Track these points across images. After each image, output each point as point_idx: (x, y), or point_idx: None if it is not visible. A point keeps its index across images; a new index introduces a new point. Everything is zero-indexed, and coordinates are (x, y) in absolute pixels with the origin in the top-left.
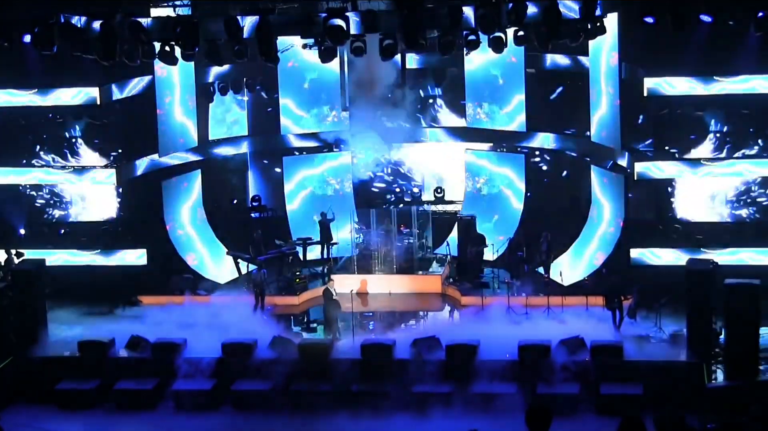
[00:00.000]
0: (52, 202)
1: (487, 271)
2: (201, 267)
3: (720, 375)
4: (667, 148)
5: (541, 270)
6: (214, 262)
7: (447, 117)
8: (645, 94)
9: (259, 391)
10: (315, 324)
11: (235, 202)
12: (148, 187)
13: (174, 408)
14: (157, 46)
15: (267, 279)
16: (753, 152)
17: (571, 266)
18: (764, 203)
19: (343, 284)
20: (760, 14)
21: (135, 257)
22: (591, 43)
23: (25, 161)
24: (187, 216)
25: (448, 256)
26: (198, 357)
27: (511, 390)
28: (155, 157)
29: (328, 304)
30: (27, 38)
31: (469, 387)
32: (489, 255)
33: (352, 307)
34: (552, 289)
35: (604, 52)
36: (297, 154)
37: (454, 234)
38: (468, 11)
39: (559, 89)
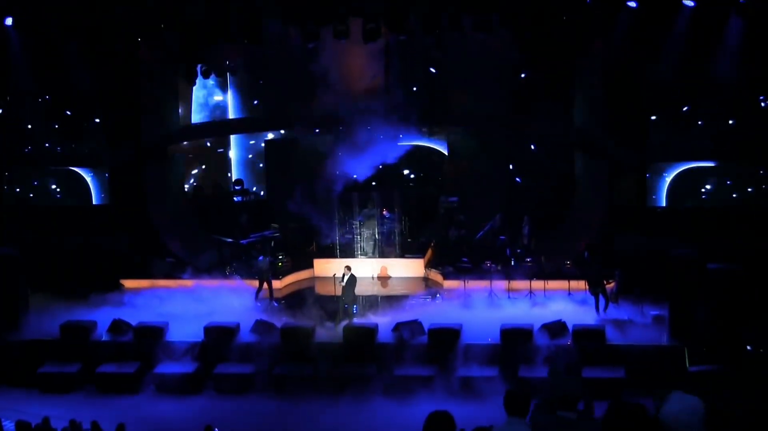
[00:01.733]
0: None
1: (470, 255)
2: (183, 252)
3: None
4: None
5: (523, 254)
6: (197, 247)
7: None
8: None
9: (241, 375)
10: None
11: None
12: (132, 172)
13: (156, 391)
14: None
15: (271, 267)
16: None
17: (553, 250)
18: None
19: (328, 269)
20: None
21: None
22: None
23: None
24: (170, 201)
25: (431, 240)
26: (180, 341)
27: (493, 373)
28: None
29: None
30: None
31: (451, 370)
32: (471, 239)
33: (334, 291)
34: (534, 273)
35: None
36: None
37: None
38: None
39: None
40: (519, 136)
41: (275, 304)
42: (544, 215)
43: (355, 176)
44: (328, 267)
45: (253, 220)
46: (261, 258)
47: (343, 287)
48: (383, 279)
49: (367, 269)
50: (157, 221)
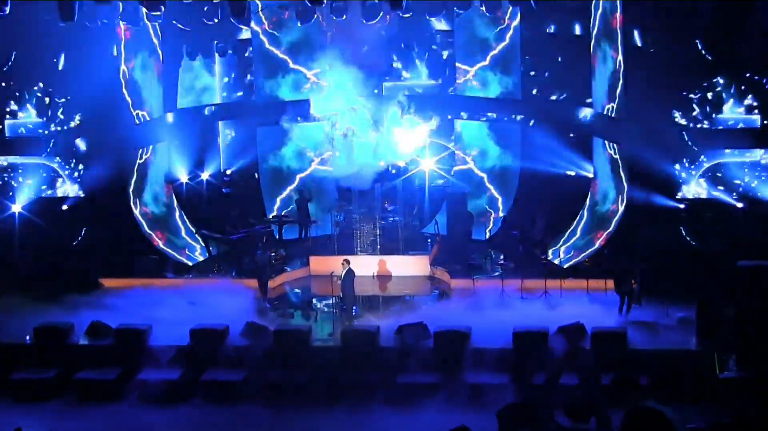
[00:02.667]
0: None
1: (479, 252)
2: (168, 248)
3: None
4: None
5: (537, 250)
6: (182, 242)
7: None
8: None
9: (231, 382)
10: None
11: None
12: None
13: (139, 399)
14: (121, 5)
15: (270, 262)
16: None
17: (571, 246)
18: None
19: (325, 266)
20: None
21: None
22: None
23: None
24: (152, 193)
25: (437, 236)
26: (165, 345)
27: (504, 380)
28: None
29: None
30: None
31: (459, 377)
32: (481, 233)
33: (332, 291)
34: (550, 271)
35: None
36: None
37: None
38: None
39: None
40: (532, 118)
41: (267, 305)
42: (560, 208)
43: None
44: (326, 265)
45: (245, 214)
46: (260, 253)
47: (341, 284)
48: (382, 277)
49: (367, 266)
50: (140, 214)
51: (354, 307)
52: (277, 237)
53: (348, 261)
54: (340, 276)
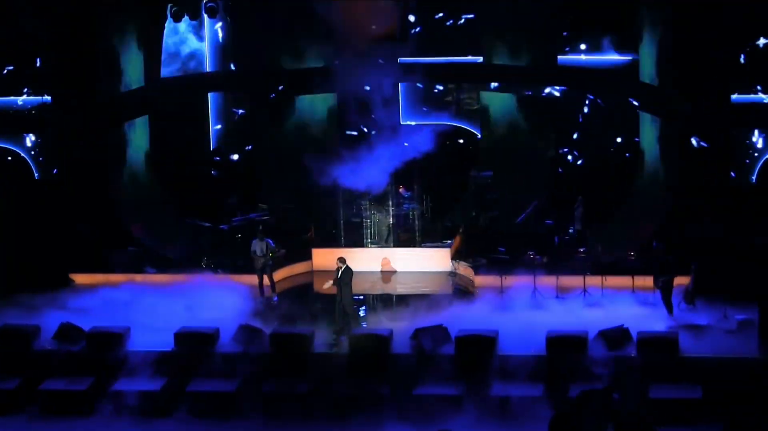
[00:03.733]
0: None
1: (508, 244)
2: (149, 239)
3: None
4: None
5: (576, 242)
6: (166, 232)
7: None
8: None
9: (222, 394)
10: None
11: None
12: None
13: (114, 413)
14: None
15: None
16: None
17: (614, 237)
18: None
19: (330, 261)
20: None
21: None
22: None
23: None
24: (132, 175)
25: (461, 225)
26: (145, 350)
27: (536, 392)
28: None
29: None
30: None
31: (484, 389)
32: (509, 223)
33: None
34: (590, 267)
35: None
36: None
37: None
38: None
39: None
40: (568, 94)
41: (275, 299)
42: (601, 194)
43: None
44: (331, 259)
45: (243, 201)
46: (270, 241)
47: (338, 286)
48: (385, 273)
49: (377, 261)
50: (116, 200)
51: (358, 308)
52: (275, 226)
53: (343, 260)
54: (335, 277)
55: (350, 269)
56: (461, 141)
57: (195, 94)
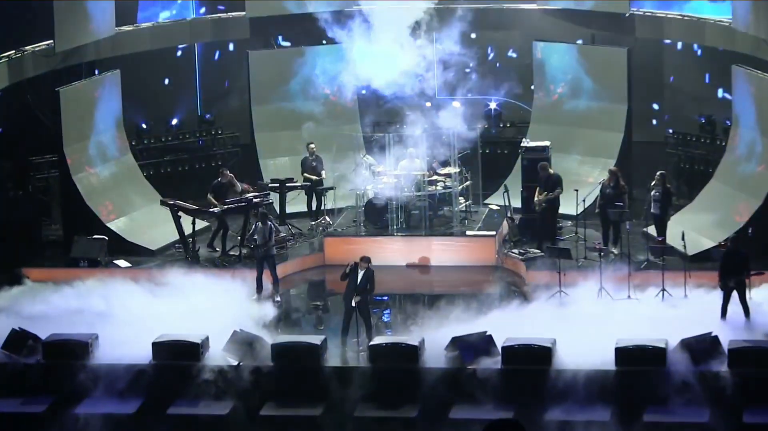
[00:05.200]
0: None
1: (568, 232)
2: (121, 225)
3: None
4: None
5: (652, 230)
6: (142, 217)
7: None
8: None
9: (211, 417)
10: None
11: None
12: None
13: None
14: None
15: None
16: None
17: (699, 223)
18: None
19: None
20: None
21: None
22: None
23: None
24: (99, 146)
25: (507, 209)
26: (115, 364)
27: (603, 416)
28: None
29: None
30: None
31: (537, 411)
32: (570, 206)
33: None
34: (670, 260)
35: None
36: (276, 47)
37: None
38: None
39: None
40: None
41: (278, 299)
42: (686, 171)
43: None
44: (347, 251)
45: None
46: (257, 225)
47: (355, 289)
48: (415, 268)
49: (406, 252)
50: (79, 178)
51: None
52: (277, 210)
53: (368, 260)
54: (346, 273)
55: (372, 271)
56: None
57: (177, 45)
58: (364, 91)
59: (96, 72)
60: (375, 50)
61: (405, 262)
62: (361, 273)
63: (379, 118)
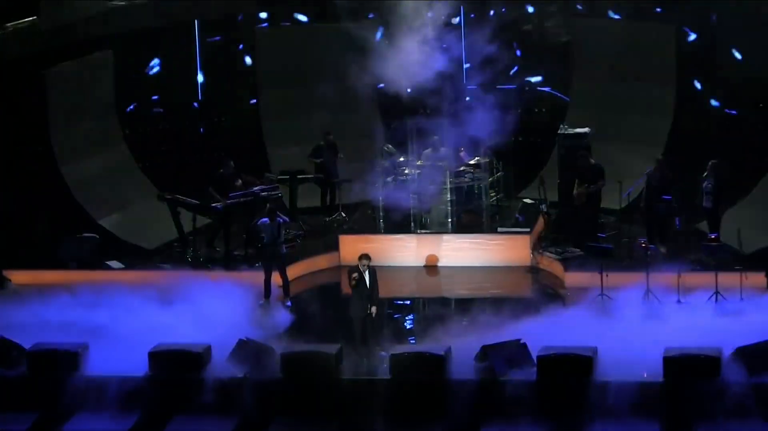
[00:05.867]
0: None
1: (611, 229)
2: (114, 222)
3: None
4: None
5: (704, 226)
6: (137, 213)
7: None
8: None
9: None
10: None
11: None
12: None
13: None
14: None
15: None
16: None
17: (758, 220)
18: None
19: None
20: None
21: None
22: None
23: None
24: (89, 133)
25: (543, 203)
26: (108, 376)
27: None
28: None
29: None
30: None
31: (578, 428)
32: (613, 199)
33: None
34: (723, 260)
35: None
36: None
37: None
38: None
39: None
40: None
41: (289, 304)
42: (742, 160)
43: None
44: (363, 249)
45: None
46: (262, 222)
47: (368, 296)
48: (440, 269)
49: (431, 252)
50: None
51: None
52: (287, 204)
53: (367, 258)
54: (354, 279)
55: (374, 270)
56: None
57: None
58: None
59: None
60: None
61: (430, 263)
62: (367, 275)
63: (400, 105)
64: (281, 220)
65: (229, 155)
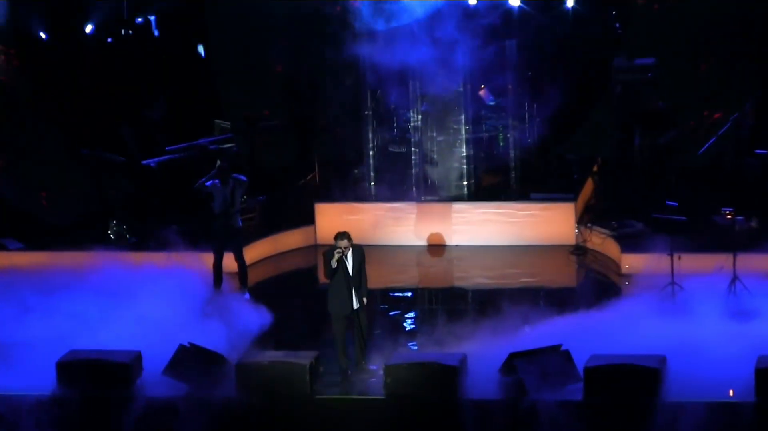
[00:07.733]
0: None
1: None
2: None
3: None
4: None
5: None
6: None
7: None
8: None
9: None
10: None
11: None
12: None
13: None
14: None
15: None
16: None
17: None
18: None
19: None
20: None
21: None
22: None
23: None
24: None
25: (591, 160)
26: (2, 395)
27: None
28: None
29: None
30: None
31: None
32: (686, 156)
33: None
34: None
35: None
36: None
37: None
38: None
39: None
40: None
41: (246, 297)
42: None
43: None
44: (347, 222)
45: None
46: (211, 183)
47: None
48: (452, 250)
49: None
50: None
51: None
52: (246, 161)
53: (347, 236)
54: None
55: (362, 250)
56: None
57: None
58: None
59: None
60: None
61: (436, 241)
62: (350, 258)
63: None
64: (237, 179)
65: (164, 93)
